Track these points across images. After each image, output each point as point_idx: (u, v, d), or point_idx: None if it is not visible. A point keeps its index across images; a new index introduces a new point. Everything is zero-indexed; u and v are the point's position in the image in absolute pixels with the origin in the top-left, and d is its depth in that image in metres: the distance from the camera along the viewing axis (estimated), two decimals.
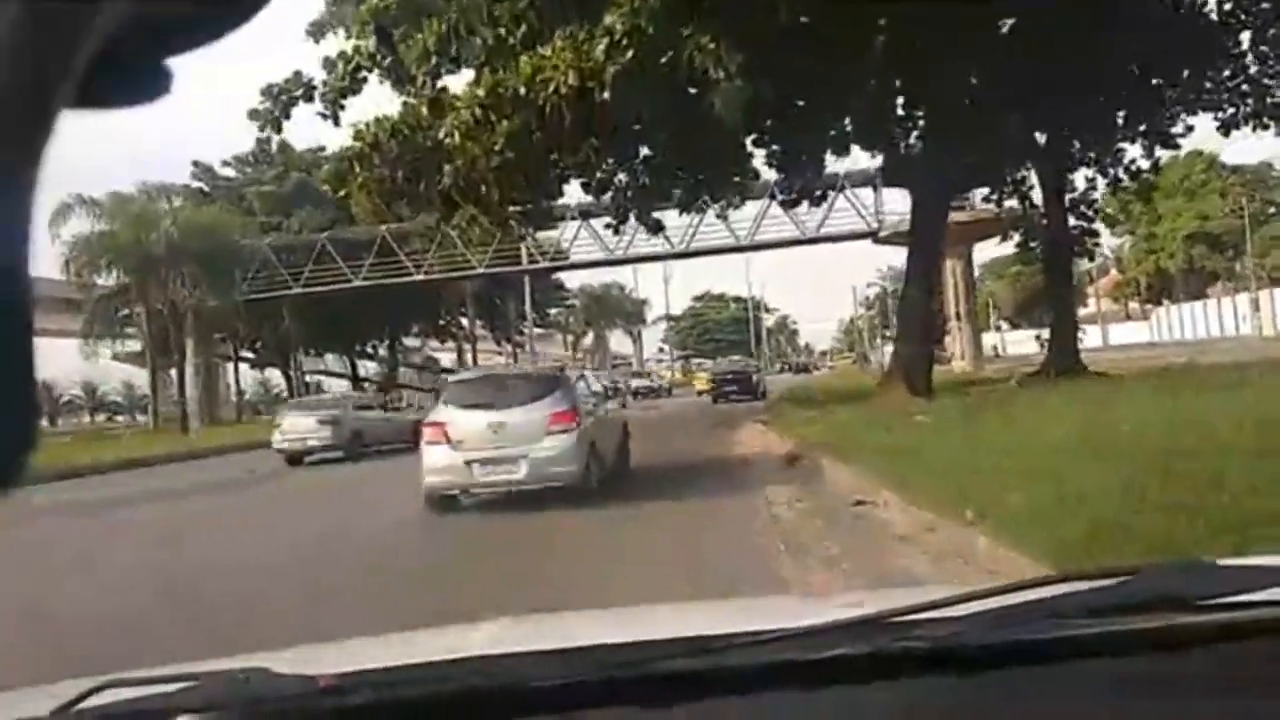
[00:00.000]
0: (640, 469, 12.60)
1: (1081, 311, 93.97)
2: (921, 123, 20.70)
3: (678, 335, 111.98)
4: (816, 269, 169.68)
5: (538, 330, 67.41)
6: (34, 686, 1.38)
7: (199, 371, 44.31)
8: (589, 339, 73.46)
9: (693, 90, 15.57)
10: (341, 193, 17.19)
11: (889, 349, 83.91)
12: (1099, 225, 27.62)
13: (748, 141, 20.90)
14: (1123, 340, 78.04)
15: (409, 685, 1.13)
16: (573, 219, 42.07)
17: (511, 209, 20.18)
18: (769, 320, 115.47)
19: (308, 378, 54.80)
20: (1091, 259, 32.89)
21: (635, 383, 48.25)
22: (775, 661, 1.10)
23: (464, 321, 52.89)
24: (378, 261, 42.70)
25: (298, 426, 20.17)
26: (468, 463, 10.00)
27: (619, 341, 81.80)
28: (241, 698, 1.10)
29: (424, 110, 14.68)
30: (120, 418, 66.67)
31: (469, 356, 56.28)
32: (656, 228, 26.69)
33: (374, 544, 9.17)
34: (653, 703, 1.06)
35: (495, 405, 10.39)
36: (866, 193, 40.95)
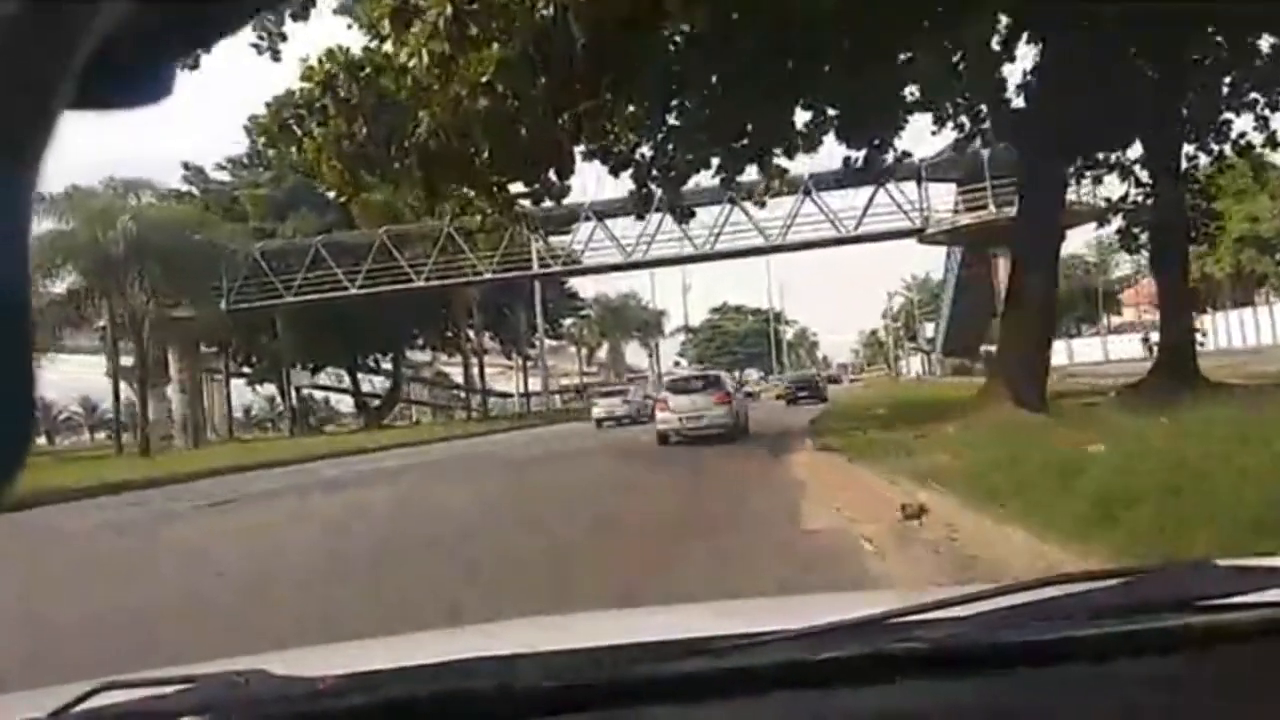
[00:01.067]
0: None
1: (1115, 320, 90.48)
2: (1038, 63, 16.67)
3: (695, 348, 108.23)
4: (834, 280, 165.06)
5: (550, 342, 63.55)
6: (32, 690, 1.36)
7: (184, 388, 40.57)
8: (604, 351, 69.41)
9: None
10: (290, 149, 13.22)
11: (915, 359, 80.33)
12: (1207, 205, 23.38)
13: (798, 105, 16.96)
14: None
15: (408, 687, 1.10)
16: (586, 219, 38.13)
17: (515, 192, 16.33)
18: (788, 332, 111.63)
19: (304, 393, 51.03)
20: (1211, 244, 28.79)
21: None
22: (776, 663, 1.09)
23: (470, 333, 48.81)
24: (376, 267, 38.90)
25: (608, 404, 33.10)
26: (678, 419, 19.64)
27: (633, 354, 77.93)
28: (240, 700, 1.08)
29: (387, 29, 10.63)
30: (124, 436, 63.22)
31: (476, 371, 52.48)
32: (685, 215, 22.75)
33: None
34: (654, 704, 1.06)
35: (689, 391, 20.39)
36: (908, 188, 37.00)
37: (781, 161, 19.48)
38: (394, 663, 1.33)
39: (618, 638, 1.36)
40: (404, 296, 41.60)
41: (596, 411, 33.09)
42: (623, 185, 19.81)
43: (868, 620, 1.15)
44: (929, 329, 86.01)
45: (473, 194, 15.30)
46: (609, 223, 38.20)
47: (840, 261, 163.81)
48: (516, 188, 16.01)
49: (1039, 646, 1.09)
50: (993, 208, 33.98)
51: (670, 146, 18.13)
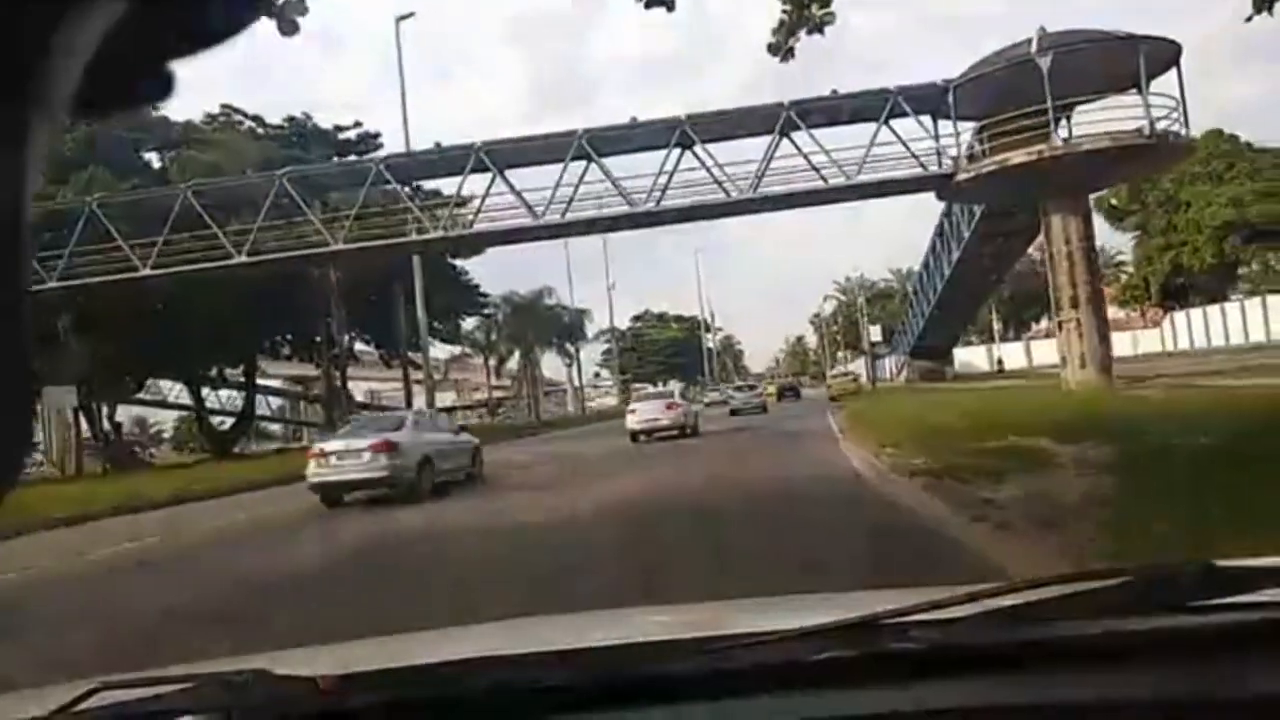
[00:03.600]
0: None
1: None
2: None
3: (618, 358, 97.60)
4: (760, 285, 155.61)
5: (447, 349, 51.46)
6: (32, 689, 1.33)
7: None
8: (514, 362, 57.44)
9: None
10: None
11: (855, 365, 70.56)
12: None
13: None
14: (1129, 351, 65.44)
15: (408, 687, 1.11)
16: (478, 169, 26.67)
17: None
18: (710, 340, 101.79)
19: (117, 414, 38.13)
20: None
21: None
22: (774, 663, 1.08)
23: (341, 335, 36.53)
24: (177, 238, 26.72)
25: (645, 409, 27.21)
26: (643, 421, 25.30)
27: (550, 365, 66.07)
28: (239, 700, 1.06)
29: None
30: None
31: (348, 382, 40.34)
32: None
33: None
34: (652, 705, 1.04)
35: (650, 399, 27.56)
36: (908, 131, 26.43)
37: None
38: (393, 663, 1.30)
39: (616, 638, 1.36)
40: (248, 286, 29.66)
41: (632, 421, 25.71)
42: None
43: (865, 621, 1.12)
44: (874, 331, 77.22)
45: None
46: (512, 174, 26.88)
47: (768, 264, 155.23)
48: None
49: (1036, 646, 1.07)
50: (1058, 138, 23.58)
51: None
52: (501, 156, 26.35)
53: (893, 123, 25.82)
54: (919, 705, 1.03)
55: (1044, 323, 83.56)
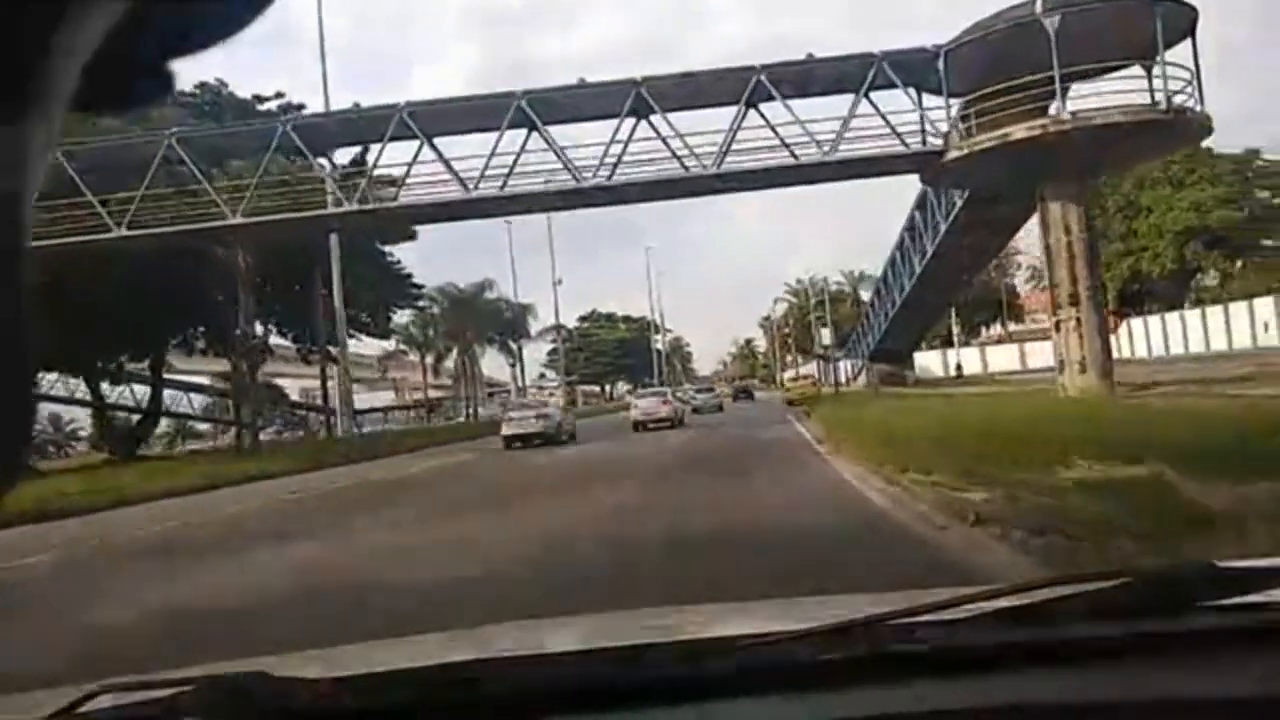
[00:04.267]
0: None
1: (1021, 326, 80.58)
2: None
3: (564, 359, 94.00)
4: (709, 286, 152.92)
5: (383, 347, 47.51)
6: (30, 692, 1.32)
7: None
8: (453, 359, 53.45)
9: None
10: None
11: (807, 368, 67.94)
12: None
13: None
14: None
15: (406, 691, 1.09)
16: (400, 137, 23.06)
17: None
18: (660, 342, 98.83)
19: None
20: None
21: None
22: (777, 664, 1.07)
23: (250, 325, 32.39)
24: (51, 204, 22.67)
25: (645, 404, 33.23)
26: (644, 414, 30.80)
27: (493, 364, 62.20)
28: (238, 703, 1.05)
29: None
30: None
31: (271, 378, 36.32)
32: None
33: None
34: (653, 707, 1.04)
35: (649, 397, 34.79)
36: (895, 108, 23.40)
37: None
38: (392, 666, 1.28)
39: (617, 640, 1.33)
40: (148, 271, 25.72)
41: (635, 413, 32.22)
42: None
43: (867, 622, 1.12)
44: (825, 334, 74.79)
45: None
46: (446, 143, 23.31)
47: (717, 266, 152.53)
48: None
49: (1039, 647, 1.07)
50: (1065, 108, 20.63)
51: None
52: (429, 120, 22.74)
53: (876, 98, 22.81)
54: (922, 706, 1.02)
55: (995, 329, 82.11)
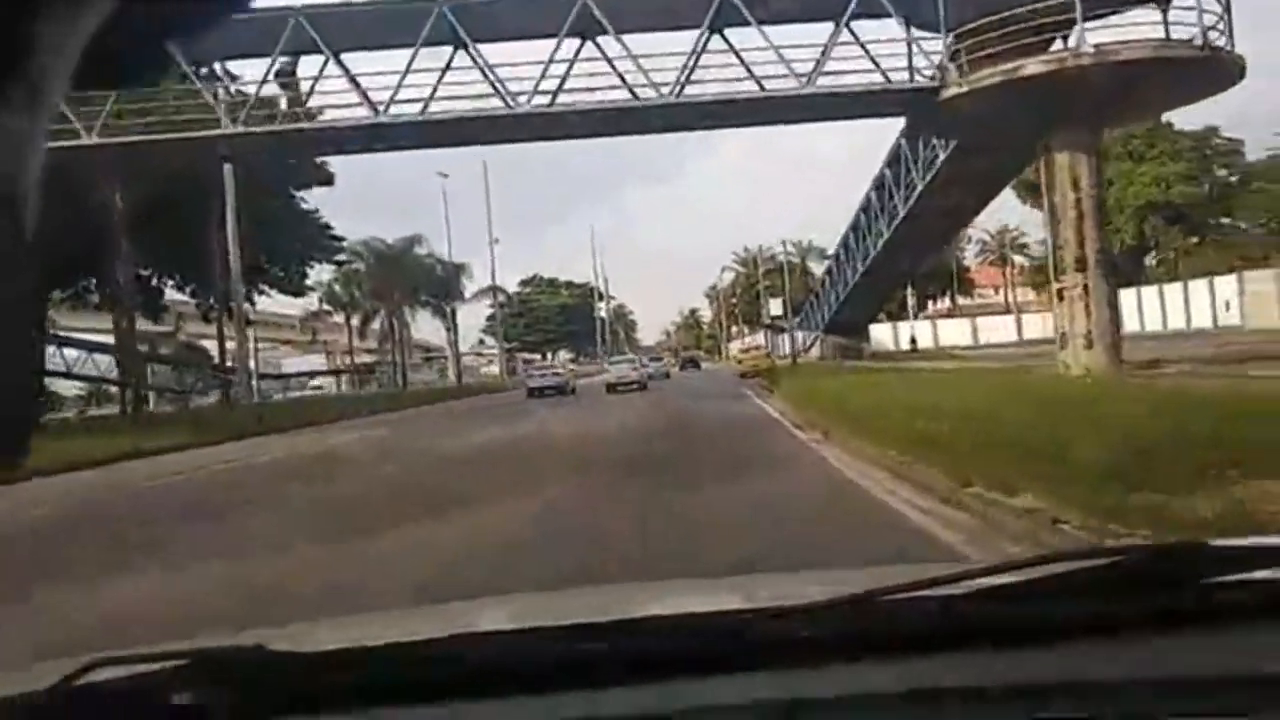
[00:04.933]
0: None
1: (969, 301, 78.72)
2: None
3: (502, 324, 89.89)
4: (650, 256, 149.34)
5: (296, 302, 43.11)
6: (24, 668, 1.30)
7: None
8: (380, 321, 49.15)
9: None
10: None
11: (756, 339, 65.07)
12: None
13: None
14: (1040, 334, 61.62)
15: (404, 664, 1.09)
16: (292, 53, 19.10)
17: None
18: (604, 309, 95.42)
19: None
20: None
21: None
22: (769, 639, 1.06)
23: (127, 273, 27.98)
24: None
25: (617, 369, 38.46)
26: (616, 378, 35.71)
27: (428, 328, 57.92)
28: (236, 675, 1.05)
29: None
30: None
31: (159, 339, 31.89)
32: None
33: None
34: (644, 682, 1.02)
35: (621, 363, 40.30)
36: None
37: None
38: (391, 638, 1.25)
39: (607, 615, 1.32)
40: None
41: (609, 377, 37.24)
42: None
43: (861, 597, 1.11)
44: (775, 305, 72.10)
45: None
46: (353, 60, 19.43)
47: (663, 233, 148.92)
48: None
49: (1029, 623, 1.06)
50: (1085, 40, 17.44)
51: None
52: (334, 30, 18.81)
53: (860, 29, 19.51)
54: (915, 683, 1.00)
55: (942, 303, 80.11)
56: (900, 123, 25.92)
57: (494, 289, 53.56)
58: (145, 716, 1.03)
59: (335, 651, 1.13)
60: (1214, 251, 55.95)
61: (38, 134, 0.36)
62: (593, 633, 1.15)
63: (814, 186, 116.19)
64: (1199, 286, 51.08)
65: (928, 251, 35.93)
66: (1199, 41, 17.13)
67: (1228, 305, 48.64)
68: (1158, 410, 9.76)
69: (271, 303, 44.60)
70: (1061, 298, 19.13)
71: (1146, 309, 54.13)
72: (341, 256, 40.58)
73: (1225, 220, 56.27)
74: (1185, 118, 57.33)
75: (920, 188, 26.21)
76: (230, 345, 29.09)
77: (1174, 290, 53.16)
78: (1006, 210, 72.92)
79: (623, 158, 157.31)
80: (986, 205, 32.08)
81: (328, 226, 35.47)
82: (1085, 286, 18.75)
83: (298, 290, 37.29)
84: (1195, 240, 56.63)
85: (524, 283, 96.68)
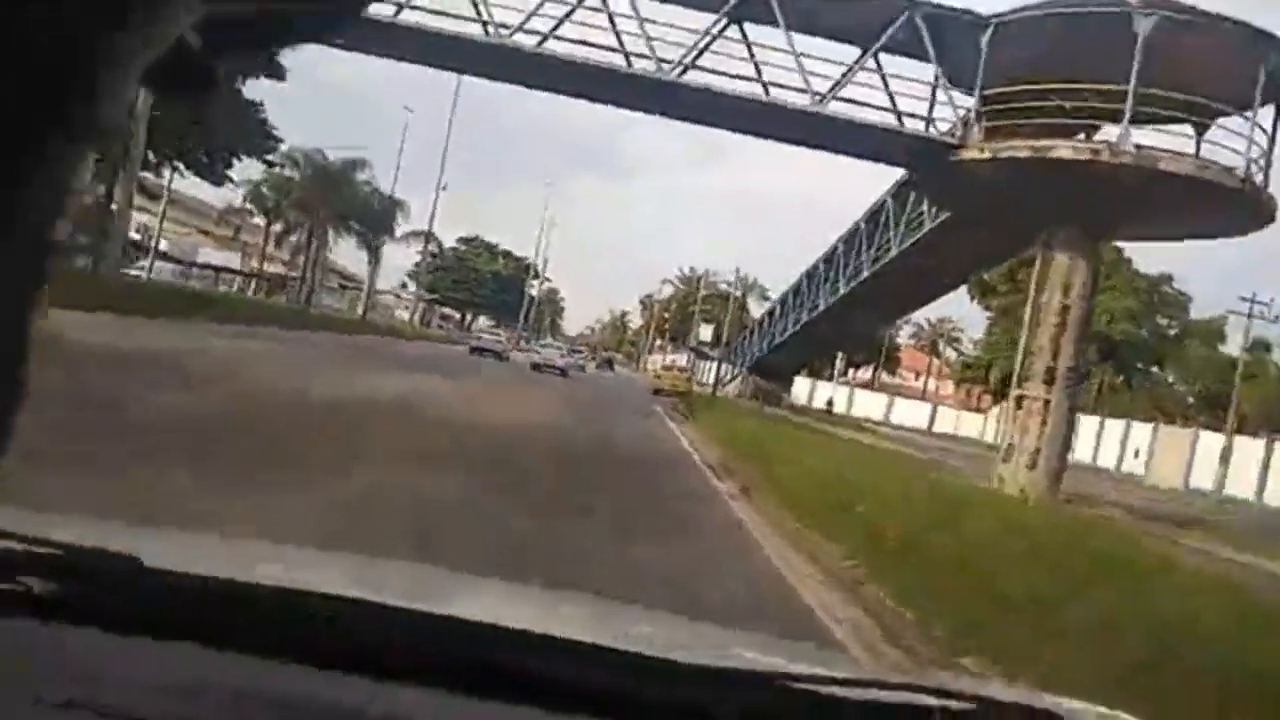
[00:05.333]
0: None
1: (891, 378, 78.36)
2: None
3: (429, 274, 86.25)
4: (593, 248, 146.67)
5: (227, 199, 39.62)
6: None
7: None
8: (298, 235, 45.64)
9: None
10: None
11: (675, 358, 63.28)
12: None
13: None
14: (949, 429, 61.17)
15: (284, 613, 1.03)
16: None
17: None
18: (537, 289, 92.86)
19: None
20: None
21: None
22: (624, 688, 0.99)
23: None
24: None
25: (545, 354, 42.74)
26: (543, 360, 39.03)
27: (350, 257, 54.43)
28: (107, 583, 0.99)
29: None
30: None
31: None
32: None
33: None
34: (509, 700, 0.96)
35: (549, 348, 44.73)
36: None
37: None
38: (273, 579, 1.19)
39: (492, 616, 1.22)
40: None
41: (535, 359, 40.35)
42: None
43: (747, 672, 1.10)
44: (706, 331, 70.54)
45: None
46: None
47: (613, 229, 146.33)
48: None
49: None
50: (1129, 135, 15.78)
51: None
52: None
53: (886, 64, 17.66)
54: None
55: (864, 372, 79.57)
56: (885, 182, 24.31)
57: (426, 235, 50.27)
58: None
59: (213, 580, 1.03)
60: (1132, 399, 56.26)
61: (78, 166, 0.35)
62: (480, 634, 1.05)
63: (764, 226, 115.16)
64: (1114, 426, 50.91)
65: (883, 318, 34.48)
66: (1240, 173, 15.61)
67: (1137, 453, 48.41)
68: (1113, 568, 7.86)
69: (190, 186, 41.18)
70: (1020, 405, 17.48)
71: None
72: (276, 158, 37.26)
73: (1154, 370, 56.56)
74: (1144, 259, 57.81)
75: (895, 251, 24.54)
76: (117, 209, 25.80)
77: (1088, 423, 52.95)
78: (952, 303, 72.70)
79: (590, 148, 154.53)
80: (960, 284, 30.70)
81: (264, 121, 32.27)
82: (1046, 401, 17.13)
83: (218, 180, 33.94)
84: (1121, 379, 56.70)
85: (464, 239, 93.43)
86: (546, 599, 1.91)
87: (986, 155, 16.15)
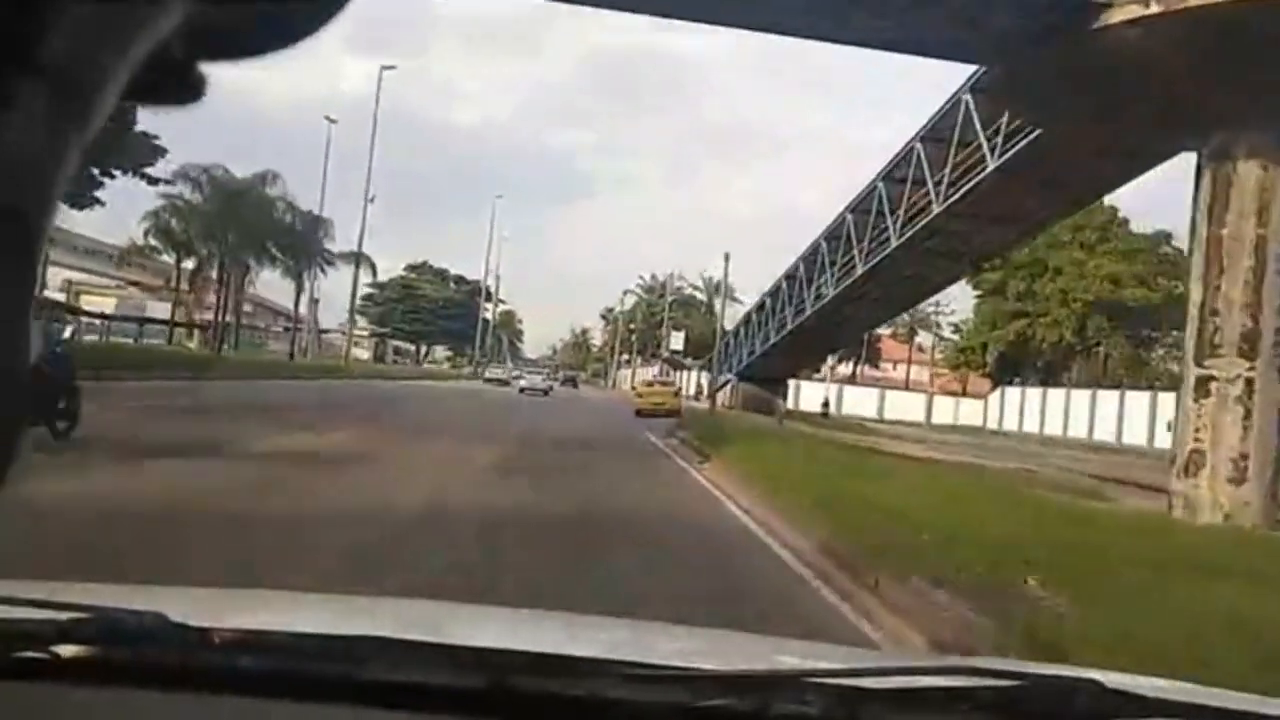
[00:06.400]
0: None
1: (874, 371, 72.84)
2: None
3: (378, 307, 79.52)
4: (547, 267, 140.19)
5: (130, 238, 32.70)
6: None
7: None
8: (210, 267, 38.71)
9: None
10: None
11: (652, 370, 56.84)
12: None
13: None
14: (948, 419, 55.81)
15: (302, 657, 1.04)
16: None
17: None
18: (492, 313, 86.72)
19: None
20: None
21: None
22: (652, 702, 0.99)
23: None
24: None
25: (528, 379, 47.24)
26: (528, 385, 45.09)
27: (274, 286, 47.46)
28: (130, 641, 1.00)
29: None
30: None
31: None
32: None
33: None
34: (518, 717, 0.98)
35: (532, 374, 52.14)
36: None
37: None
38: (293, 626, 1.20)
39: (512, 642, 1.27)
40: None
41: (521, 384, 45.49)
42: None
43: (759, 676, 1.10)
44: (677, 339, 64.79)
45: None
46: None
47: (567, 245, 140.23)
48: None
49: None
50: None
51: None
52: None
53: None
54: None
55: (845, 368, 74.11)
56: (852, 190, 18.62)
57: (358, 258, 43.53)
58: (27, 663, 0.96)
59: (233, 631, 1.03)
60: (1134, 367, 51.38)
61: (61, 147, 0.33)
62: (499, 661, 1.06)
63: (727, 229, 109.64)
64: (1138, 399, 45.55)
65: (888, 310, 28.92)
66: None
67: (1168, 426, 42.98)
68: None
69: (88, 224, 34.53)
70: (1208, 392, 11.54)
71: (1051, 409, 48.84)
72: (166, 176, 30.67)
73: (1175, 333, 51.34)
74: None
75: (894, 241, 18.75)
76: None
77: (1108, 399, 47.59)
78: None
79: (540, 165, 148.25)
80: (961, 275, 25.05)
81: (153, 139, 25.78)
82: (1248, 381, 11.24)
83: (84, 202, 27.30)
84: (1136, 348, 51.63)
85: (411, 268, 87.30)
86: (563, 623, 1.85)
87: (1157, 9, 10.20)
